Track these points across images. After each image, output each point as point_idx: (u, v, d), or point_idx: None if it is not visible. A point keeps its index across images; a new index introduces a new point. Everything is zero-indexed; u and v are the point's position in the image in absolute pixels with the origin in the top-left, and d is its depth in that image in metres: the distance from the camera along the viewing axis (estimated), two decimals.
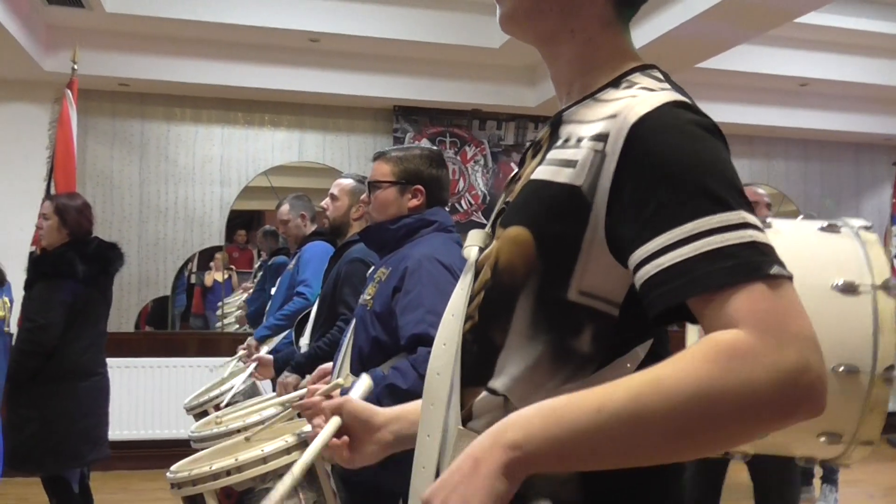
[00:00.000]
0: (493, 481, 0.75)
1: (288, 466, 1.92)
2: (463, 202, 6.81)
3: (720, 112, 6.67)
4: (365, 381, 1.23)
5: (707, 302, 0.77)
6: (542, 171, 0.95)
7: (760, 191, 4.37)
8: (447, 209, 2.39)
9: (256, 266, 6.41)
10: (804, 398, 0.72)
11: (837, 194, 7.76)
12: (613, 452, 0.77)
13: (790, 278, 0.78)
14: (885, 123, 7.33)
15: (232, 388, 3.53)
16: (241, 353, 4.01)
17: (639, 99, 0.88)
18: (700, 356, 0.74)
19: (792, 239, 2.13)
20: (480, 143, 6.92)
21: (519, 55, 6.13)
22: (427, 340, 1.83)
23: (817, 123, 7.20)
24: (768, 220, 2.18)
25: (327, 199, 3.46)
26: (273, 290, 4.52)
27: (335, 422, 1.10)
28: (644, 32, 4.98)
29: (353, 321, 2.24)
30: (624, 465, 0.78)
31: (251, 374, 3.55)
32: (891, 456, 6.67)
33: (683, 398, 0.72)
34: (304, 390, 2.25)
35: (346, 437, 1.13)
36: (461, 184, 6.83)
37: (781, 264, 0.78)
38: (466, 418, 0.96)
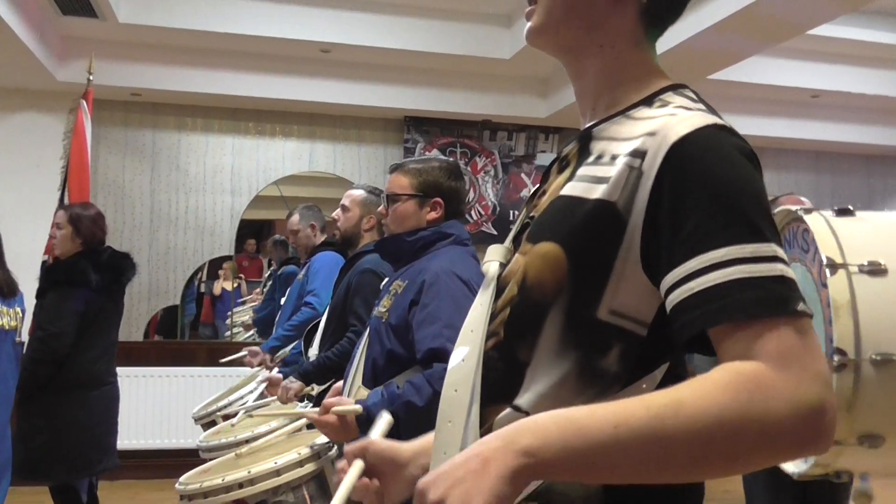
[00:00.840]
0: (501, 484, 0.73)
1: (301, 479, 1.92)
2: (473, 213, 6.80)
3: (732, 123, 6.63)
4: (385, 419, 1.17)
5: (732, 331, 0.77)
6: (573, 188, 0.94)
7: (804, 199, 4.60)
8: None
9: (266, 276, 6.42)
10: (819, 436, 0.73)
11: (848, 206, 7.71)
12: (626, 469, 0.76)
13: (811, 316, 0.78)
14: None
15: (240, 398, 3.52)
16: (258, 373, 3.95)
17: (678, 118, 0.87)
18: (723, 384, 0.74)
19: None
20: (491, 154, 6.92)
21: (530, 66, 6.13)
22: (444, 355, 1.81)
23: (828, 135, 7.18)
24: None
25: (338, 210, 3.45)
26: (283, 300, 4.52)
27: (358, 466, 1.05)
28: (658, 43, 4.98)
29: (366, 333, 2.23)
30: (633, 481, 0.78)
31: (262, 393, 3.52)
32: None
33: (704, 424, 0.72)
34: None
35: (374, 481, 1.07)
36: (471, 195, 6.82)
37: (805, 301, 0.78)
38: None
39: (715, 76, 5.57)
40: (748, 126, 6.81)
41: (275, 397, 3.33)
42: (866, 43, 6.13)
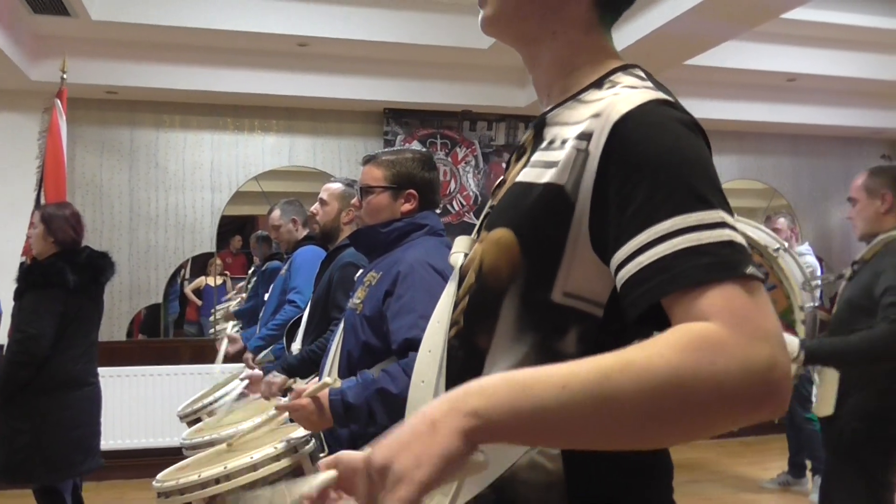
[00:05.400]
0: (449, 446, 0.72)
1: (278, 473, 1.91)
2: (455, 203, 6.80)
3: (709, 109, 6.69)
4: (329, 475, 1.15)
5: (682, 298, 0.76)
6: (527, 174, 0.95)
7: (781, 220, 5.00)
8: (438, 210, 2.38)
9: (251, 272, 6.40)
10: (771, 395, 0.72)
11: (827, 188, 7.78)
12: (575, 431, 0.74)
13: (763, 280, 0.78)
14: (873, 117, 7.35)
15: (226, 394, 3.52)
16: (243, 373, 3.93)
17: (621, 97, 0.88)
18: (673, 342, 0.73)
19: None
20: (471, 144, 6.92)
21: (508, 56, 6.08)
22: (419, 345, 1.81)
23: (806, 118, 7.21)
24: None
25: (317, 204, 3.45)
26: (266, 296, 4.51)
27: (330, 475, 1.04)
28: (632, 30, 4.99)
29: (341, 325, 2.23)
30: (584, 446, 0.77)
31: (242, 392, 3.51)
32: None
33: (653, 382, 0.71)
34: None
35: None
36: (452, 185, 6.82)
37: (755, 265, 0.78)
38: None
39: (692, 62, 5.58)
40: (726, 111, 6.85)
41: (257, 395, 3.32)
42: (842, 26, 6.16)
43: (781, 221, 5.49)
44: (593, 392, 0.72)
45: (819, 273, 5.29)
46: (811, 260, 5.27)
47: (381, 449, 0.75)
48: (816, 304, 3.64)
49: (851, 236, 7.68)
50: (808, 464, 5.25)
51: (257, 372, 3.35)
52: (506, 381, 0.75)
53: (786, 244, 3.16)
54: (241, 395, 3.34)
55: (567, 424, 0.74)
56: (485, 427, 0.73)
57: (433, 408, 0.75)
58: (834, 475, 3.00)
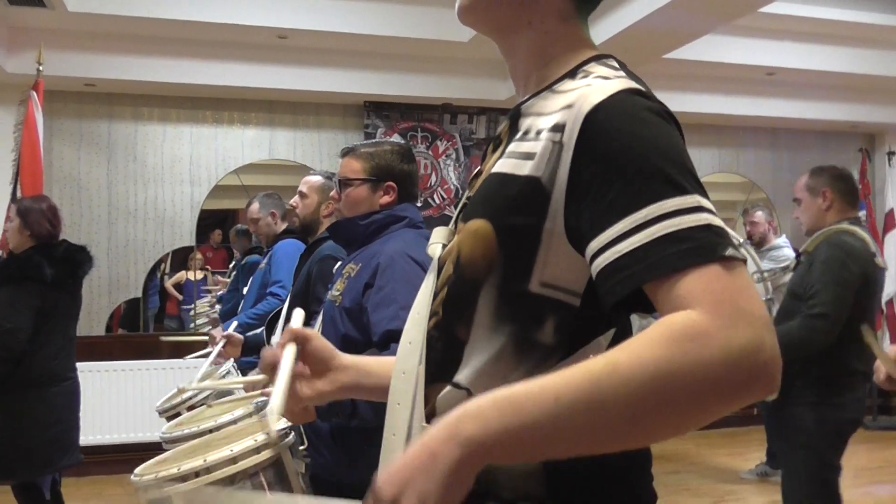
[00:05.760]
0: (450, 478, 0.73)
1: (258, 465, 1.90)
2: (436, 196, 6.80)
3: (688, 102, 6.72)
4: (299, 312, 1.25)
5: (662, 285, 0.76)
6: (503, 165, 0.96)
7: (759, 213, 5.12)
8: (420, 204, 2.38)
9: (231, 266, 6.37)
10: (758, 377, 0.72)
11: None
12: (572, 441, 0.75)
13: (744, 261, 0.78)
14: (851, 111, 7.42)
15: (206, 390, 3.48)
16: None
17: (593, 88, 0.88)
18: (655, 338, 0.73)
19: None
20: (452, 138, 6.91)
21: (488, 48, 6.04)
22: (400, 337, 1.81)
23: (785, 112, 7.27)
24: None
25: (296, 197, 3.44)
26: (245, 290, 4.49)
27: (293, 348, 1.09)
28: (611, 24, 5.00)
29: (319, 318, 2.22)
30: (583, 452, 0.77)
31: (219, 354, 3.49)
32: (861, 438, 6.77)
33: (639, 382, 0.71)
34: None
35: (306, 368, 1.12)
36: (433, 178, 6.81)
37: (736, 247, 0.78)
38: (430, 415, 0.95)
39: (671, 55, 5.60)
40: (705, 104, 6.88)
41: (231, 357, 3.31)
42: (820, 20, 6.21)
43: (759, 215, 5.55)
44: (584, 402, 0.73)
45: None
46: (788, 252, 5.32)
47: (389, 483, 0.76)
48: (769, 297, 3.75)
49: None
50: None
51: (236, 334, 3.35)
52: (496, 402, 0.76)
53: (741, 238, 3.30)
54: (218, 356, 3.32)
55: (562, 436, 0.74)
56: (482, 452, 0.74)
57: (434, 436, 0.76)
58: (783, 460, 3.11)
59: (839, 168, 3.29)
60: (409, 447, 0.79)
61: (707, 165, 7.46)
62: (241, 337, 3.48)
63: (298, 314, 1.25)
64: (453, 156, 6.91)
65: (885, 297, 7.23)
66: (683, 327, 0.72)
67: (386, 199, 2.25)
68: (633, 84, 0.89)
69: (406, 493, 0.74)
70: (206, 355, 4.13)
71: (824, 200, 3.13)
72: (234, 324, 3.84)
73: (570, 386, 0.74)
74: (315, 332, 1.15)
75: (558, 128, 0.88)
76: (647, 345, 0.73)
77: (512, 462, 0.88)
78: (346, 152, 2.32)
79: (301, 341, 1.10)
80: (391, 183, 2.26)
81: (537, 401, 0.74)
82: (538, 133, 0.92)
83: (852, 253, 2.95)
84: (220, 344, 3.45)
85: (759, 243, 5.45)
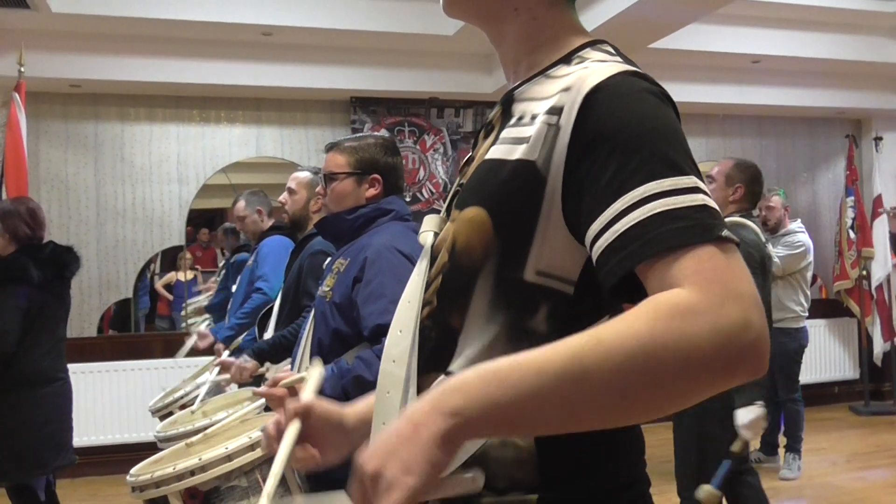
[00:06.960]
0: (434, 449, 0.72)
1: (253, 462, 1.91)
2: (424, 191, 6.79)
3: (675, 91, 6.52)
4: (317, 373, 1.17)
5: (656, 264, 0.76)
6: (497, 151, 0.95)
7: (776, 198, 5.47)
8: (408, 198, 2.38)
9: (221, 265, 6.35)
10: (745, 356, 0.71)
11: (793, 168, 7.87)
12: (556, 415, 0.74)
13: (738, 244, 0.78)
14: (837, 97, 7.43)
15: (196, 388, 3.49)
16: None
17: (591, 70, 0.88)
18: (641, 314, 0.73)
19: None
20: (439, 132, 6.91)
21: (474, 42, 6.11)
22: None
23: (771, 100, 7.28)
24: None
25: (285, 194, 3.44)
26: (234, 288, 4.49)
27: (296, 427, 1.04)
28: (595, 14, 5.00)
29: (311, 314, 2.23)
30: (568, 429, 0.76)
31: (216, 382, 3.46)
32: (853, 424, 6.83)
33: (623, 356, 0.71)
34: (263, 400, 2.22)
35: (309, 447, 1.08)
36: (422, 173, 6.81)
37: (729, 229, 0.78)
38: None
39: (656, 45, 5.60)
40: (692, 93, 6.89)
41: (232, 386, 3.30)
42: (805, 7, 6.22)
43: (776, 199, 5.49)
44: (568, 375, 0.72)
45: (811, 251, 5.33)
46: (804, 238, 5.27)
47: (372, 456, 0.75)
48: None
49: (817, 216, 7.78)
50: (783, 441, 5.35)
51: (228, 358, 3.34)
52: (480, 375, 0.75)
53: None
54: (216, 387, 3.31)
55: (546, 410, 0.73)
56: (466, 424, 0.73)
57: (416, 409, 0.75)
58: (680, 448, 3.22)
59: (757, 168, 3.47)
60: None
61: (694, 154, 7.38)
62: (232, 360, 3.29)
63: (316, 373, 1.18)
64: (441, 150, 6.90)
65: (874, 283, 7.28)
66: (671, 304, 0.72)
67: (371, 191, 2.26)
68: (631, 66, 0.89)
69: (389, 464, 0.73)
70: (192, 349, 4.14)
71: (734, 194, 3.34)
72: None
73: (555, 359, 0.73)
74: (318, 401, 1.10)
75: (555, 111, 0.88)
76: (632, 320, 0.73)
77: (497, 436, 0.87)
78: (331, 147, 2.33)
79: (304, 416, 1.06)
80: (376, 176, 2.26)
81: (522, 373, 0.73)
82: (533, 117, 0.91)
83: (751, 244, 3.11)
84: (215, 373, 3.36)
85: (773, 228, 5.39)
